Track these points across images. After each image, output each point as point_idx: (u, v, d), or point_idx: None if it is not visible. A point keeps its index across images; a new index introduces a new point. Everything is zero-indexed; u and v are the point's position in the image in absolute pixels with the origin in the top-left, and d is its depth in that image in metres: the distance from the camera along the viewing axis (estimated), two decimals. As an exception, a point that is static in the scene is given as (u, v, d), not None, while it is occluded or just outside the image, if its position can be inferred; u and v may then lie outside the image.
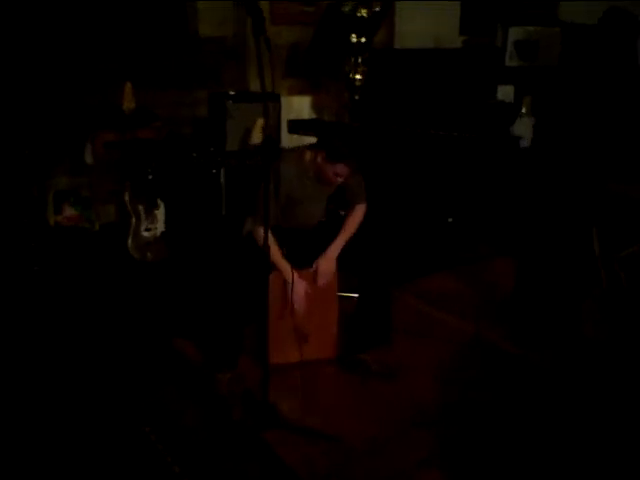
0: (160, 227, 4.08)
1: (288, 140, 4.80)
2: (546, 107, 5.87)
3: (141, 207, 4.01)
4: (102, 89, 4.52)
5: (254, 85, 5.38)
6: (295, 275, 2.91)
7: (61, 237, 4.39)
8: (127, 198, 3.97)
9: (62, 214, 4.45)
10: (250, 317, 2.98)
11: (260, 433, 2.55)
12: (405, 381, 2.97)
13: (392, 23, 5.77)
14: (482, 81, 5.71)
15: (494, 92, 5.98)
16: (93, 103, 4.50)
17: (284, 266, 2.89)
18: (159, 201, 4.08)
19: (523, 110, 5.79)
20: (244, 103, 4.44)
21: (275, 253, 2.87)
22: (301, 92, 5.58)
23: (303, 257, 3.04)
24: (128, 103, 4.14)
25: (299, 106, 5.52)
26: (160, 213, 4.07)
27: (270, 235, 2.87)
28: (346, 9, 4.67)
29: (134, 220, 3.99)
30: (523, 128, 5.87)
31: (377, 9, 4.77)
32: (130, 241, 3.98)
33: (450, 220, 4.88)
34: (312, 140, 5.25)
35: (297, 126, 4.74)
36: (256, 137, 4.18)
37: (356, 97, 4.86)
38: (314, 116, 5.58)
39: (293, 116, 5.17)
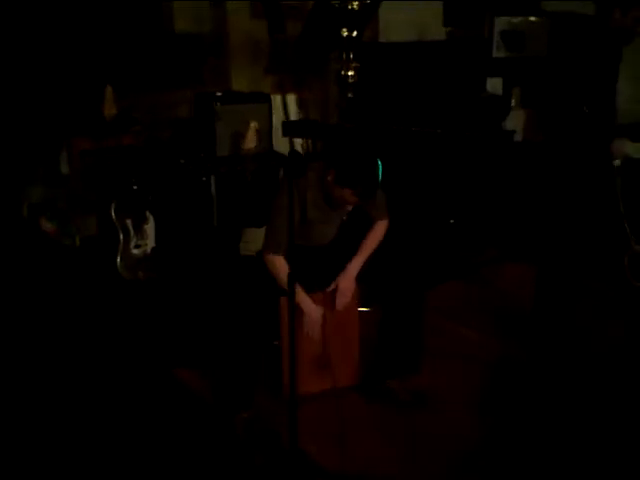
0: (150, 243, 3.78)
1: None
2: (537, 98, 5.74)
3: (129, 222, 3.71)
4: (76, 92, 4.19)
5: (237, 83, 5.11)
6: (309, 300, 2.68)
7: (39, 254, 4.06)
8: (113, 213, 3.66)
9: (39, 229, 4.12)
10: (261, 345, 2.73)
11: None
12: (438, 410, 2.74)
13: (376, 15, 5.54)
14: (472, 74, 5.53)
15: (484, 85, 5.81)
16: (67, 107, 4.17)
17: (300, 296, 2.64)
18: (148, 214, 3.78)
19: (513, 103, 5.66)
20: (233, 104, 4.15)
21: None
22: (285, 90, 5.32)
23: (315, 277, 2.79)
24: (109, 109, 3.82)
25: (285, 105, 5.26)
26: (150, 227, 3.77)
27: (284, 262, 2.63)
28: (336, 2, 4.40)
29: (122, 237, 3.68)
30: (515, 122, 5.73)
31: (368, 1, 4.51)
32: (119, 260, 3.67)
33: (452, 222, 4.69)
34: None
35: (293, 129, 4.46)
36: (250, 141, 3.91)
37: (349, 95, 4.61)
38: (300, 115, 5.33)
39: (278, 115, 4.91)
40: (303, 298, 2.65)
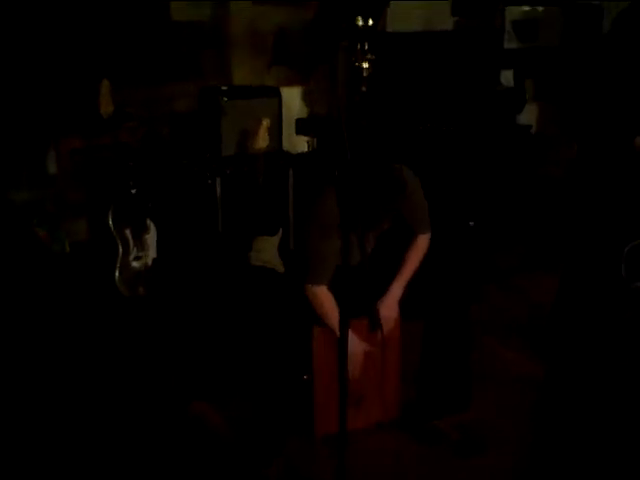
0: (152, 253, 3.40)
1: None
2: (550, 91, 5.47)
3: (128, 231, 3.32)
4: (69, 86, 3.79)
5: (238, 76, 4.73)
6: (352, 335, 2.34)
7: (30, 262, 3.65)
8: (111, 222, 3.27)
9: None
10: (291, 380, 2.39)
11: None
12: (499, 452, 2.41)
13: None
14: (486, 66, 5.24)
15: (498, 77, 5.53)
16: (58, 103, 3.76)
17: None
18: (149, 222, 3.40)
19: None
20: (241, 99, 3.77)
21: (335, 318, 2.29)
22: (290, 83, 4.94)
23: (352, 301, 2.45)
24: (106, 105, 3.42)
25: (289, 99, 4.88)
26: (151, 237, 3.39)
27: (328, 293, 2.28)
28: (351, -12, 4.02)
29: (121, 249, 3.29)
30: (529, 115, 5.51)
31: (384, -13, 4.15)
32: (118, 274, 3.29)
33: (472, 224, 4.38)
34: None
35: (308, 126, 4.08)
36: (262, 140, 3.53)
37: (363, 89, 4.23)
38: (307, 111, 4.96)
39: (284, 111, 4.54)
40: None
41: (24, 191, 3.96)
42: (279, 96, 3.97)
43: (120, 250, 3.29)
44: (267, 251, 3.54)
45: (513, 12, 5.45)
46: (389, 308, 2.39)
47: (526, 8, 5.44)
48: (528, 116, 5.49)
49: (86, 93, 3.63)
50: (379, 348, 2.42)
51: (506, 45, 5.39)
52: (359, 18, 4.26)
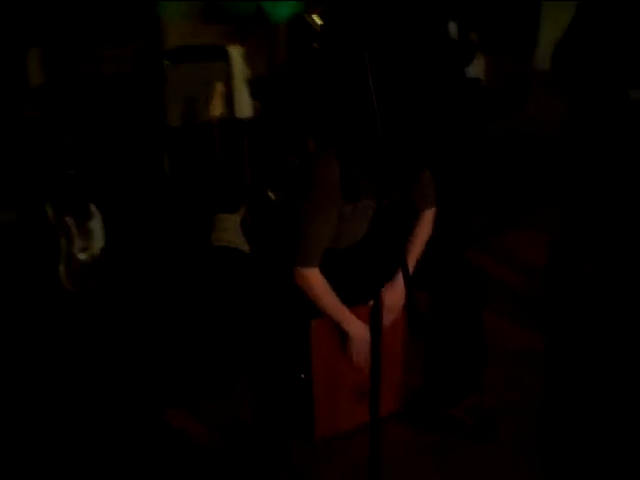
0: (99, 243, 2.99)
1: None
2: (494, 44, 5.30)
3: (70, 220, 2.90)
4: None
5: (171, 36, 4.27)
6: (353, 318, 2.06)
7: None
8: (50, 211, 2.84)
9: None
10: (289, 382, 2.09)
11: None
12: (513, 431, 2.20)
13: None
14: (435, 17, 4.98)
15: (446, 29, 5.28)
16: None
17: (345, 317, 2.01)
18: (92, 208, 2.98)
19: (472, 49, 5.24)
20: (186, 63, 3.35)
21: (332, 302, 2.00)
22: (229, 40, 4.52)
23: (349, 286, 2.16)
24: (35, 75, 2.96)
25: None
26: (96, 224, 2.98)
27: (320, 275, 1.99)
28: None
29: (64, 240, 2.87)
30: (478, 69, 5.36)
31: None
32: (62, 268, 2.88)
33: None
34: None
35: (263, 88, 3.68)
36: (217, 107, 3.14)
37: (315, 45, 3.88)
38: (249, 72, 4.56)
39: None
40: (347, 316, 2.02)
41: None
42: (227, 57, 3.56)
43: (63, 241, 2.87)
44: (230, 230, 3.19)
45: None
46: (397, 294, 2.10)
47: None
48: (477, 69, 5.30)
49: (13, 62, 3.14)
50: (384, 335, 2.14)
51: (449, -5, 5.14)
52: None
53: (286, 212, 2.34)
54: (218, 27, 4.43)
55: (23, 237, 3.24)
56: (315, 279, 1.99)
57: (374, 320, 1.55)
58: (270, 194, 3.66)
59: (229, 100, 3.51)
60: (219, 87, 3.14)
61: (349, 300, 2.08)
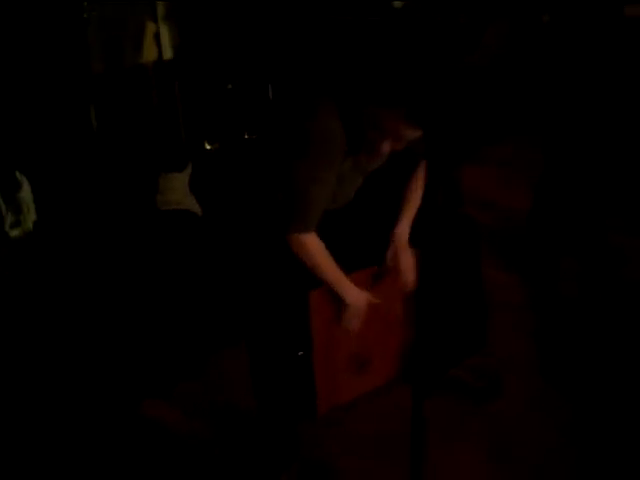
0: (31, 216, 2.62)
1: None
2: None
3: (-5, 193, 2.52)
4: None
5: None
6: (350, 284, 1.86)
7: None
8: (-29, 184, 2.45)
9: None
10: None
11: None
12: (520, 391, 2.10)
13: None
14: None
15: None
16: None
17: (343, 284, 1.81)
18: (19, 176, 2.60)
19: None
20: (107, 3, 2.94)
21: (331, 269, 1.79)
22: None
23: (340, 249, 1.95)
24: None
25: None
26: (25, 195, 2.60)
27: (317, 240, 1.78)
28: None
29: (-8, 216, 2.49)
30: None
31: None
32: (-7, 250, 2.51)
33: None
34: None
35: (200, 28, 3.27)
36: (149, 52, 2.78)
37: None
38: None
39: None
40: (344, 283, 1.82)
41: None
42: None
43: (-10, 219, 2.49)
44: (177, 190, 2.89)
45: None
46: (407, 254, 1.92)
47: None
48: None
49: None
50: (384, 300, 1.96)
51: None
52: None
53: (263, 158, 2.08)
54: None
55: None
56: (313, 245, 1.78)
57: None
58: (207, 145, 3.36)
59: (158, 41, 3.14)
60: (151, 27, 2.76)
61: (347, 264, 1.88)
